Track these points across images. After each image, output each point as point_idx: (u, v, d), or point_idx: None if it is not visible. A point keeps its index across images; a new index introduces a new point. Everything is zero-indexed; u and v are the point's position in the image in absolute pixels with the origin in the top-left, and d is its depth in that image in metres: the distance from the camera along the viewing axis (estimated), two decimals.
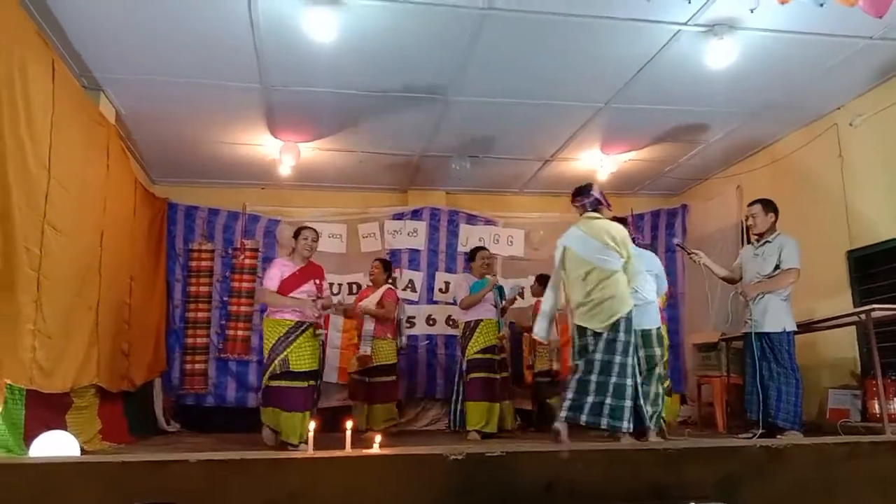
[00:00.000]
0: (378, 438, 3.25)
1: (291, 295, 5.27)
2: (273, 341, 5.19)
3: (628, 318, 4.54)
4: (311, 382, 5.32)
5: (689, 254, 5.84)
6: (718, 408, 6.27)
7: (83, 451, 4.13)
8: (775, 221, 5.38)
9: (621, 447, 3.10)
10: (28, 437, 3.90)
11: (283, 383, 5.15)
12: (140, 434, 6.22)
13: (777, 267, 5.19)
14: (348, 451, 3.07)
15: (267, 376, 5.18)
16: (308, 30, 4.76)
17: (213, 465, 2.65)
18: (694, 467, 2.92)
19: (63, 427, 4.35)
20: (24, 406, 4.03)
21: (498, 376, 6.25)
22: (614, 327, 4.51)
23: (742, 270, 5.48)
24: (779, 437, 4.62)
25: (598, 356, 4.49)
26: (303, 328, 5.25)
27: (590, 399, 4.42)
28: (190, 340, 7.73)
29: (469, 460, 2.76)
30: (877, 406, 5.15)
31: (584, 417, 4.42)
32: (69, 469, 2.66)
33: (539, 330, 4.87)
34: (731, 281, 5.63)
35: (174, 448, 5.13)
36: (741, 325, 5.48)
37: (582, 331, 4.64)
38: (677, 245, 5.33)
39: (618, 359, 4.46)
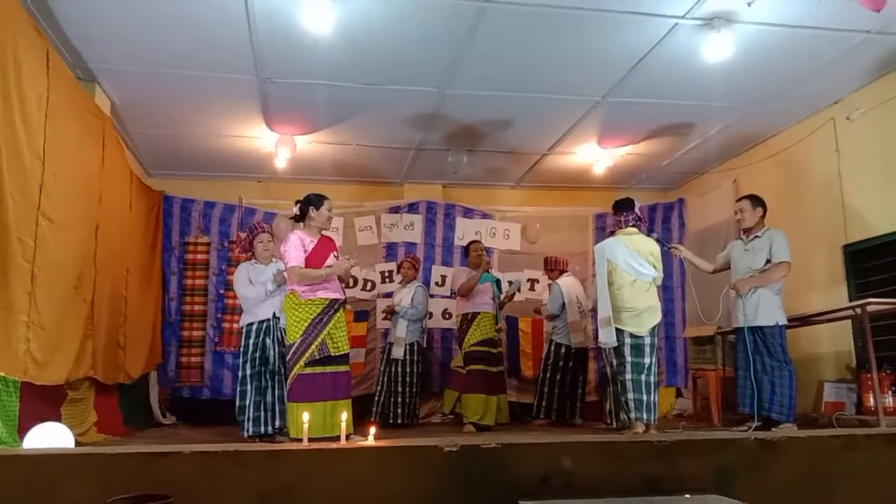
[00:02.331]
0: (373, 430, 3.24)
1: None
2: (307, 324, 4.68)
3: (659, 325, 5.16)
4: (348, 367, 4.95)
5: (668, 249, 5.84)
6: (713, 401, 6.28)
7: (78, 443, 4.12)
8: (763, 216, 5.39)
9: (616, 440, 3.10)
10: (22, 430, 3.88)
11: (321, 369, 4.69)
12: (135, 426, 6.21)
13: (768, 261, 5.19)
14: (343, 443, 3.07)
15: (303, 363, 4.64)
16: (304, 22, 4.74)
17: (207, 456, 2.65)
18: (689, 459, 2.92)
19: (58, 419, 4.34)
20: (18, 398, 4.01)
21: (495, 369, 6.25)
22: (653, 332, 5.07)
23: (731, 264, 5.49)
24: (773, 429, 4.62)
25: (646, 360, 5.01)
26: (336, 306, 4.82)
27: (646, 398, 4.94)
28: (186, 333, 7.73)
29: (464, 452, 2.76)
30: (871, 399, 5.16)
31: (646, 415, 4.92)
32: (63, 461, 2.65)
33: (607, 337, 5.10)
34: (714, 273, 5.68)
35: (169, 440, 5.11)
36: (731, 318, 5.49)
37: (619, 332, 5.05)
38: (656, 240, 5.40)
39: (655, 360, 5.08)
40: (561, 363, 6.81)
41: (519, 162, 7.94)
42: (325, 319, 4.74)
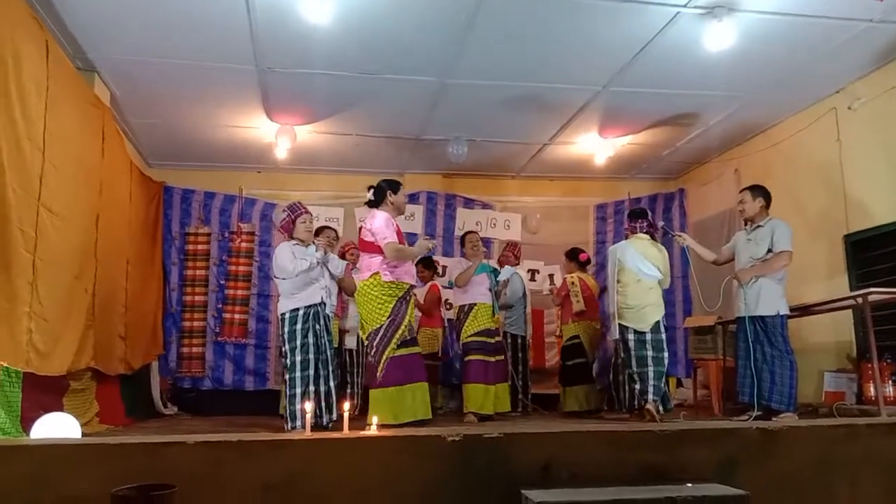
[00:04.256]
0: (375, 420, 3.25)
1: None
2: (392, 305, 4.78)
3: (662, 320, 5.54)
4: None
5: (672, 236, 5.95)
6: (714, 391, 6.29)
7: (81, 434, 4.13)
8: (765, 206, 5.37)
9: (618, 429, 3.11)
10: (25, 420, 3.90)
11: (413, 350, 4.89)
12: (137, 417, 6.22)
13: (770, 251, 5.19)
14: (346, 432, 3.07)
15: (394, 345, 4.73)
16: (304, 11, 4.72)
17: (210, 446, 2.66)
18: (691, 449, 2.93)
19: (60, 410, 4.35)
20: (20, 389, 4.02)
21: (493, 359, 6.25)
22: (656, 328, 5.43)
23: (735, 254, 5.50)
24: (774, 419, 4.64)
25: (649, 353, 5.41)
26: (411, 292, 5.00)
27: (652, 384, 5.34)
28: (187, 324, 7.74)
29: (466, 442, 2.77)
30: (872, 389, 5.17)
31: (651, 397, 5.31)
32: (67, 451, 2.66)
33: (613, 331, 5.64)
34: (716, 263, 5.74)
35: (172, 430, 5.11)
36: (731, 308, 5.51)
37: (624, 329, 5.50)
38: (661, 227, 5.52)
39: (665, 354, 5.44)
40: (511, 353, 6.87)
41: (520, 152, 7.93)
42: (403, 305, 4.86)
